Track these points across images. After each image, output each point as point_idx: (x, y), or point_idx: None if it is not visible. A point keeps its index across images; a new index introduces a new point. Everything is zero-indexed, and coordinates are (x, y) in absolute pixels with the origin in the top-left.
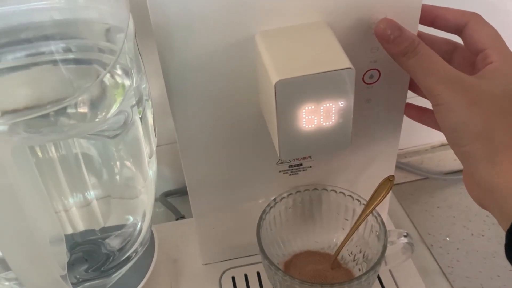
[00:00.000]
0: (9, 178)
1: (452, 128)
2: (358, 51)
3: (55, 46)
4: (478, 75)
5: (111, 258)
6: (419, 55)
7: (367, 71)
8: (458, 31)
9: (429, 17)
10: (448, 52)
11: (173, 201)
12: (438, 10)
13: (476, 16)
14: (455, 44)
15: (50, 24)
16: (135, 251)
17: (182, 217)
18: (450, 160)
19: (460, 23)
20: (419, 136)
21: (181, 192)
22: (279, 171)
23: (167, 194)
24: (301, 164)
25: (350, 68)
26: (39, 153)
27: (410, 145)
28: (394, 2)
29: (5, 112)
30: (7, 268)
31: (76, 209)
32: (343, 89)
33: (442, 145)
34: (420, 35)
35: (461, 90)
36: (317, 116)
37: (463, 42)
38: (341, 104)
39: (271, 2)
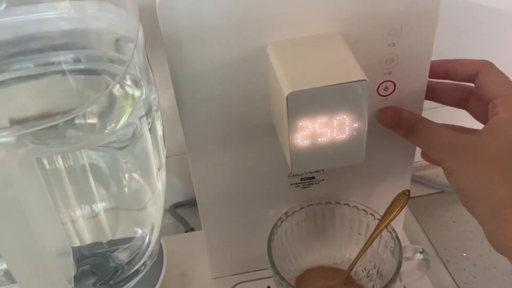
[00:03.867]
0: (14, 191)
1: (456, 188)
2: (372, 63)
3: (64, 56)
4: (481, 132)
5: (119, 271)
6: (418, 132)
7: (382, 83)
8: (471, 80)
9: (440, 72)
10: (463, 99)
11: (183, 212)
12: (448, 64)
13: (487, 65)
14: (470, 90)
15: (59, 34)
16: (144, 264)
17: (192, 229)
18: None
19: (472, 73)
20: None
21: (191, 203)
22: (291, 184)
23: (176, 206)
24: (313, 177)
25: (365, 80)
26: (47, 165)
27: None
28: (410, 12)
29: (13, 122)
30: (12, 280)
31: (84, 221)
32: (357, 101)
33: None
34: (433, 85)
35: (461, 153)
36: (330, 129)
37: (477, 91)
38: (355, 116)
39: (282, 13)
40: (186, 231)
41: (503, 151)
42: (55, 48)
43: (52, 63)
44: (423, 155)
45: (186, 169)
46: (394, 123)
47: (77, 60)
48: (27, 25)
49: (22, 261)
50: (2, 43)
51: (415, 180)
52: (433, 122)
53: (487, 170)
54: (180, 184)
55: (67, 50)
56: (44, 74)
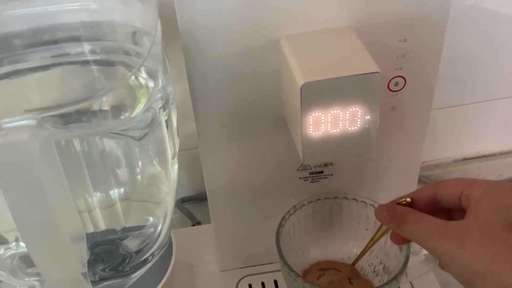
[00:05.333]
0: (36, 172)
1: (459, 276)
2: (383, 58)
3: (80, 48)
4: (466, 216)
5: (127, 260)
6: (409, 223)
7: (392, 78)
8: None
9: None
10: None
11: (190, 207)
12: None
13: (438, 182)
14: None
15: (77, 26)
16: (152, 254)
17: (198, 223)
18: (473, 175)
19: (432, 191)
20: (441, 150)
21: (198, 198)
22: (300, 178)
23: (183, 200)
24: (322, 172)
25: (378, 72)
26: (65, 150)
27: (431, 158)
28: (421, 8)
29: (30, 111)
30: (29, 265)
31: (99, 207)
32: (370, 93)
33: (465, 159)
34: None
35: (449, 237)
36: (342, 120)
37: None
38: (367, 109)
39: (296, 7)
40: (193, 225)
41: (489, 223)
42: (72, 39)
43: (68, 54)
44: (393, 236)
45: (194, 164)
46: (389, 218)
47: (93, 52)
48: (45, 16)
49: (41, 242)
50: (20, 34)
51: (421, 180)
52: (423, 214)
53: (483, 247)
54: (188, 179)
55: (83, 42)
56: (60, 64)
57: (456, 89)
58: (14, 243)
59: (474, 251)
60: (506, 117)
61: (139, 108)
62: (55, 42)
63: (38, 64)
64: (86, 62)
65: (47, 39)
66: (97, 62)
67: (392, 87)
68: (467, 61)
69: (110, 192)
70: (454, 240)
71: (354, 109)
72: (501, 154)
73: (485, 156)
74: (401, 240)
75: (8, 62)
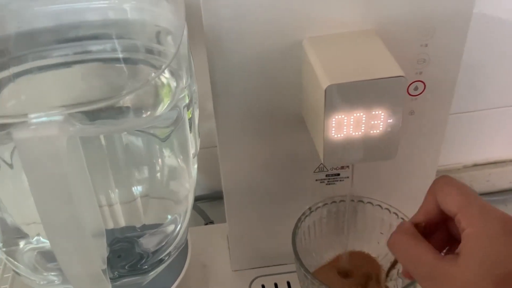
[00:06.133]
0: (64, 167)
1: None
2: (404, 62)
3: (104, 45)
4: (457, 254)
5: (145, 258)
6: (398, 251)
7: (412, 82)
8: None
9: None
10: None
11: (203, 206)
12: (417, 218)
13: (438, 183)
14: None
15: (101, 24)
16: (169, 254)
17: (211, 222)
18: (482, 181)
19: (435, 204)
20: (451, 155)
21: (211, 197)
22: (316, 180)
23: (196, 199)
24: (338, 174)
25: (403, 76)
26: (89, 145)
27: (442, 163)
28: (444, 13)
29: (53, 107)
30: (49, 260)
31: (120, 204)
32: (394, 97)
33: (475, 165)
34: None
35: (434, 282)
36: (364, 123)
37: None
38: (390, 112)
39: (319, 10)
40: (206, 224)
41: (477, 276)
42: (95, 37)
43: (91, 51)
44: (404, 273)
45: (207, 163)
46: (388, 241)
47: (116, 50)
48: (70, 13)
49: (65, 238)
50: (45, 30)
51: None
52: (418, 244)
53: None
54: (201, 178)
55: (106, 39)
56: (84, 61)
57: (468, 96)
58: (35, 238)
59: None
60: None
61: (163, 106)
62: (79, 39)
63: (61, 61)
64: (109, 60)
65: (71, 36)
66: (120, 60)
67: (411, 91)
68: (478, 68)
69: (132, 188)
70: (439, 286)
71: (377, 112)
72: (511, 161)
73: (495, 162)
74: (412, 277)
75: (32, 58)
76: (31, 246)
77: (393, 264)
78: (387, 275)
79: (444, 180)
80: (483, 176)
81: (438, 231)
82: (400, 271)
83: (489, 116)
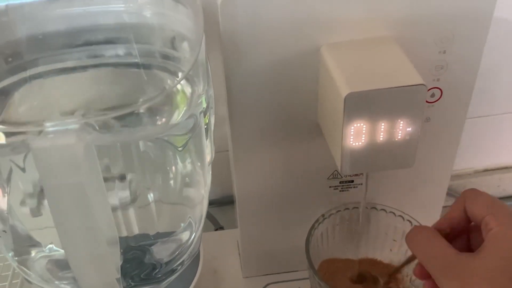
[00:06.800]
0: (81, 176)
1: None
2: (422, 68)
3: (118, 50)
4: (479, 250)
5: (159, 267)
6: (418, 247)
7: (429, 89)
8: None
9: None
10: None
11: (212, 211)
12: (441, 224)
13: (468, 192)
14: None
15: (115, 28)
16: (182, 263)
17: (221, 228)
18: (493, 186)
19: (463, 211)
20: (462, 160)
21: (220, 202)
22: (330, 187)
23: None
24: (352, 181)
25: (423, 84)
26: (104, 151)
27: (453, 168)
28: (463, 20)
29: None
30: (61, 268)
31: (134, 211)
32: (414, 105)
33: (486, 170)
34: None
35: (454, 276)
36: (383, 131)
37: (471, 219)
38: (410, 120)
39: (337, 16)
40: (216, 230)
41: (495, 274)
42: (109, 41)
43: (104, 56)
44: (417, 269)
45: (217, 168)
46: (407, 237)
47: (130, 54)
48: (83, 17)
49: (80, 246)
50: (58, 34)
51: None
52: (438, 241)
53: None
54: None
55: (120, 44)
56: (97, 66)
57: (480, 101)
58: (48, 246)
59: None
60: None
61: (180, 113)
62: (92, 43)
63: (74, 65)
64: (123, 65)
65: (84, 40)
66: (134, 65)
67: (428, 98)
68: (490, 73)
69: (146, 195)
70: (458, 280)
71: (396, 120)
72: None
73: (506, 167)
74: (424, 275)
75: (44, 62)
76: (43, 254)
77: (405, 263)
78: (398, 271)
79: (474, 190)
80: (494, 181)
81: (458, 241)
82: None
83: (501, 121)
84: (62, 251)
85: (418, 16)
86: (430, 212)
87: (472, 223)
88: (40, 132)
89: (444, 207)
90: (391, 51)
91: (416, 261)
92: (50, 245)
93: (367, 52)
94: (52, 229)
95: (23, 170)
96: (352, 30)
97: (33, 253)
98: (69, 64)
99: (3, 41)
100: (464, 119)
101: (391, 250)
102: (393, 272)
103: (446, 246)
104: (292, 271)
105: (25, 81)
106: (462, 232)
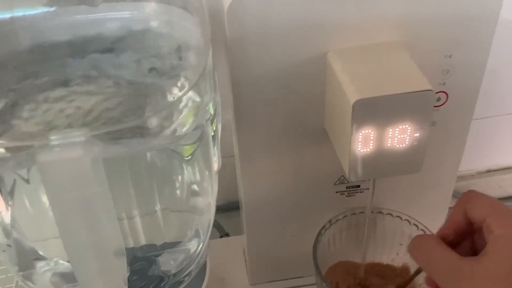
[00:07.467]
0: (88, 189)
1: None
2: (428, 73)
3: (123, 59)
4: (481, 254)
5: (165, 280)
6: (420, 255)
7: (436, 93)
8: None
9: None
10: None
11: (217, 217)
12: (445, 230)
13: (468, 194)
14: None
15: (120, 36)
16: (189, 274)
17: (227, 235)
18: (495, 187)
19: (463, 214)
20: (465, 162)
21: (225, 208)
22: (336, 192)
23: None
24: (359, 186)
25: (431, 90)
26: (110, 162)
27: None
28: (469, 24)
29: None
30: (67, 281)
31: (141, 222)
32: (422, 111)
33: (488, 171)
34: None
35: (459, 281)
36: (391, 137)
37: (472, 220)
38: (418, 126)
39: (343, 22)
40: (221, 236)
41: (499, 277)
42: (113, 50)
43: (109, 66)
44: (427, 281)
45: (222, 174)
46: (409, 246)
47: (135, 63)
48: (88, 26)
49: (88, 260)
50: (60, 44)
51: None
52: (440, 248)
53: None
54: None
55: (125, 53)
56: (101, 76)
57: (482, 102)
58: (54, 260)
59: None
60: None
61: (188, 123)
62: (97, 52)
63: (78, 76)
64: (129, 75)
65: (89, 50)
66: (141, 75)
67: (434, 102)
68: (493, 74)
69: (153, 204)
70: (463, 282)
71: (404, 126)
72: None
73: (508, 168)
74: (434, 284)
75: (47, 73)
76: (48, 267)
77: (414, 275)
78: (407, 283)
79: (473, 192)
80: (496, 182)
81: (460, 246)
82: (421, 283)
83: (502, 122)
84: (68, 264)
85: (424, 21)
86: (436, 214)
87: (475, 225)
88: (45, 145)
89: (450, 208)
90: (398, 56)
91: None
92: (56, 258)
93: (374, 58)
94: (57, 241)
95: (27, 181)
96: (358, 35)
97: (38, 267)
98: (74, 75)
99: (7, 52)
100: (469, 122)
101: (397, 254)
102: (402, 285)
103: (448, 252)
104: (299, 277)
105: (28, 93)
106: (466, 235)
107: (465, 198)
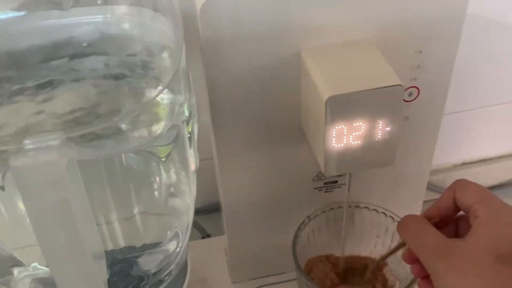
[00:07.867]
0: (64, 192)
1: None
2: (399, 69)
3: (96, 62)
4: (467, 235)
5: (145, 280)
6: (407, 232)
7: (407, 88)
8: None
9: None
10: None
11: (198, 219)
12: (431, 212)
13: (459, 181)
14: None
15: (92, 40)
16: (169, 274)
17: (208, 236)
18: (471, 180)
19: (452, 200)
20: (441, 155)
21: (206, 210)
22: (314, 188)
23: None
24: (336, 181)
25: (400, 85)
26: (85, 165)
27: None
28: (438, 20)
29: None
30: (47, 286)
31: (119, 224)
32: (392, 105)
33: (464, 163)
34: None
35: (444, 257)
36: (363, 132)
37: (460, 207)
38: (389, 120)
39: (316, 20)
40: (202, 238)
41: (482, 254)
42: (87, 54)
43: (82, 69)
44: (406, 255)
45: (202, 176)
46: (398, 224)
47: (108, 66)
48: (59, 30)
49: (66, 263)
50: (32, 49)
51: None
52: (427, 227)
53: (466, 274)
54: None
55: (98, 55)
56: (74, 80)
57: (457, 96)
58: (32, 265)
59: (460, 276)
60: (503, 123)
61: (163, 124)
62: (69, 56)
63: (51, 80)
64: (102, 77)
65: (61, 54)
66: (114, 77)
67: (406, 97)
68: (464, 68)
69: (131, 206)
70: (446, 260)
71: (375, 120)
72: (498, 158)
73: (483, 160)
74: (413, 260)
75: (20, 79)
76: (27, 273)
77: (391, 252)
78: (384, 259)
79: (464, 180)
80: (472, 174)
81: (446, 230)
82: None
83: (476, 116)
84: (47, 269)
85: (395, 18)
86: (411, 207)
87: (460, 213)
88: (19, 150)
89: (425, 201)
90: (370, 53)
91: (399, 252)
92: (34, 264)
93: (346, 55)
94: (35, 247)
95: (2, 188)
96: (331, 34)
97: (16, 273)
98: (47, 79)
99: None
100: (441, 116)
101: (375, 246)
102: (378, 262)
103: (436, 232)
104: (280, 273)
105: (1, 97)
106: (450, 221)
107: (456, 185)
